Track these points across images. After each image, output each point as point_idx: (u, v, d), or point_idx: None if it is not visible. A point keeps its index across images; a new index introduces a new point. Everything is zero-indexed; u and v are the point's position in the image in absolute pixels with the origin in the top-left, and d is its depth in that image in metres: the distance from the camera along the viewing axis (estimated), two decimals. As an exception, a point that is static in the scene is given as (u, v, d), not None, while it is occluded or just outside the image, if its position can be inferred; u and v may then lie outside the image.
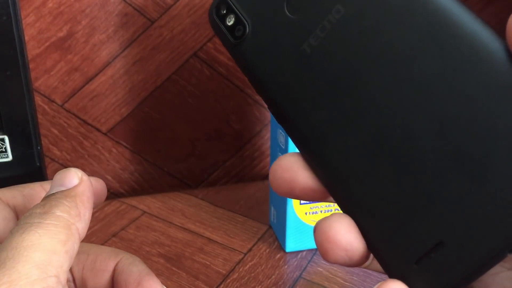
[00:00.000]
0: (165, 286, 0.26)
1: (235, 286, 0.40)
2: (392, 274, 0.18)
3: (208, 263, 0.43)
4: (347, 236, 0.18)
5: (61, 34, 0.48)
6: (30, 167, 0.39)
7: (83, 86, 0.50)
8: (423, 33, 0.17)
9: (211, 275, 0.41)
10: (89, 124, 0.52)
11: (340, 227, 0.18)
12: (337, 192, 0.19)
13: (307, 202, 0.42)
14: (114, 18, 0.49)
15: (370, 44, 0.17)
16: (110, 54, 0.50)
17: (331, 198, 0.20)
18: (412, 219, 0.17)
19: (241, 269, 0.42)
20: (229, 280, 0.41)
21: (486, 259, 0.15)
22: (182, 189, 0.55)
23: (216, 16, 0.21)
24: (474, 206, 0.16)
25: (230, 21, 0.20)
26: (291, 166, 0.19)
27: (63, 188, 0.22)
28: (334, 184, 0.19)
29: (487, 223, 0.15)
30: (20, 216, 0.25)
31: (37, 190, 0.26)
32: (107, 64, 0.50)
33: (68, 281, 0.26)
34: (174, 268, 0.42)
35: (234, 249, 0.44)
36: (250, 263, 0.43)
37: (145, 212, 0.50)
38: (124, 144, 0.54)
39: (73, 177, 0.23)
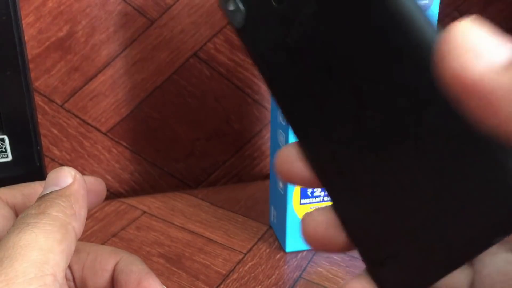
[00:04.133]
0: (165, 286, 0.26)
1: (235, 286, 0.40)
2: (367, 268, 0.18)
3: (208, 263, 0.43)
4: (325, 232, 0.19)
5: (61, 34, 0.48)
6: (30, 167, 0.39)
7: (83, 86, 0.50)
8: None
9: (211, 275, 0.41)
10: (89, 124, 0.52)
11: (318, 224, 0.19)
12: (323, 184, 0.19)
13: (307, 202, 0.42)
14: (114, 18, 0.49)
15: (344, 38, 0.17)
16: (110, 54, 0.50)
17: None
18: (379, 220, 0.17)
19: (241, 269, 0.42)
20: (229, 280, 0.41)
21: (449, 264, 0.16)
22: (182, 189, 0.55)
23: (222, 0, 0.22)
24: (438, 212, 0.16)
25: (231, 7, 0.21)
26: (287, 158, 0.20)
27: (57, 188, 0.22)
28: (319, 177, 0.19)
29: (452, 228, 0.15)
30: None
31: (37, 189, 0.26)
32: (107, 64, 0.50)
33: (68, 280, 0.26)
34: (174, 268, 0.42)
35: (234, 249, 0.44)
36: (250, 263, 0.43)
37: (145, 212, 0.49)
38: (124, 144, 0.54)
39: (67, 176, 0.23)
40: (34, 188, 0.26)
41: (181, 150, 0.55)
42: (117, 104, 0.52)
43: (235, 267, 0.42)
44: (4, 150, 0.38)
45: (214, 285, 0.40)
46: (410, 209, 0.16)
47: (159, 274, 0.41)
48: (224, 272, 0.42)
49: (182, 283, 0.40)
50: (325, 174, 0.19)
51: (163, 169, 0.56)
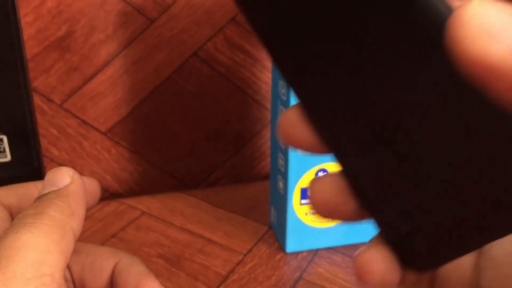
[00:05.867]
0: (164, 287, 0.26)
1: (235, 287, 0.40)
2: (385, 240, 0.17)
3: (207, 264, 0.42)
4: (334, 200, 0.18)
5: (60, 34, 0.48)
6: (28, 167, 0.39)
7: (82, 85, 0.50)
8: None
9: (211, 276, 0.41)
10: (88, 124, 0.52)
11: (327, 190, 0.18)
12: (330, 147, 0.18)
13: (307, 202, 0.42)
14: (113, 17, 0.48)
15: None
16: (109, 53, 0.49)
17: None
18: (402, 187, 0.16)
19: (241, 270, 0.42)
20: (229, 281, 0.40)
21: (467, 246, 0.15)
22: (181, 189, 0.54)
23: None
24: (473, 182, 0.15)
25: None
26: (290, 121, 0.19)
27: (55, 188, 0.22)
28: (325, 140, 0.18)
29: (488, 201, 0.14)
30: (15, 216, 0.25)
31: (31, 190, 0.26)
32: (106, 64, 0.50)
33: (67, 281, 0.26)
34: (173, 269, 0.42)
35: (234, 249, 0.44)
36: (250, 264, 0.42)
37: (144, 212, 0.49)
38: (124, 144, 0.53)
39: (65, 176, 0.23)
40: (29, 189, 0.26)
41: (181, 150, 0.55)
42: (117, 104, 0.52)
43: (235, 267, 0.42)
44: (2, 150, 0.38)
45: (214, 286, 0.40)
46: (441, 179, 0.15)
47: (159, 275, 0.41)
48: (224, 273, 0.41)
49: (181, 284, 0.40)
50: (332, 137, 0.17)
51: (162, 169, 0.55)
